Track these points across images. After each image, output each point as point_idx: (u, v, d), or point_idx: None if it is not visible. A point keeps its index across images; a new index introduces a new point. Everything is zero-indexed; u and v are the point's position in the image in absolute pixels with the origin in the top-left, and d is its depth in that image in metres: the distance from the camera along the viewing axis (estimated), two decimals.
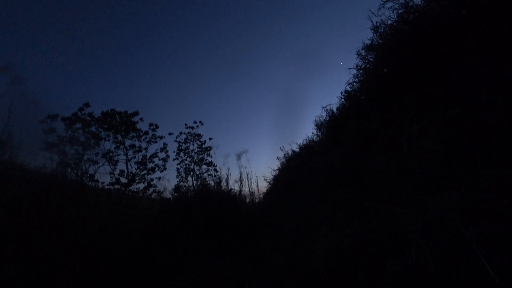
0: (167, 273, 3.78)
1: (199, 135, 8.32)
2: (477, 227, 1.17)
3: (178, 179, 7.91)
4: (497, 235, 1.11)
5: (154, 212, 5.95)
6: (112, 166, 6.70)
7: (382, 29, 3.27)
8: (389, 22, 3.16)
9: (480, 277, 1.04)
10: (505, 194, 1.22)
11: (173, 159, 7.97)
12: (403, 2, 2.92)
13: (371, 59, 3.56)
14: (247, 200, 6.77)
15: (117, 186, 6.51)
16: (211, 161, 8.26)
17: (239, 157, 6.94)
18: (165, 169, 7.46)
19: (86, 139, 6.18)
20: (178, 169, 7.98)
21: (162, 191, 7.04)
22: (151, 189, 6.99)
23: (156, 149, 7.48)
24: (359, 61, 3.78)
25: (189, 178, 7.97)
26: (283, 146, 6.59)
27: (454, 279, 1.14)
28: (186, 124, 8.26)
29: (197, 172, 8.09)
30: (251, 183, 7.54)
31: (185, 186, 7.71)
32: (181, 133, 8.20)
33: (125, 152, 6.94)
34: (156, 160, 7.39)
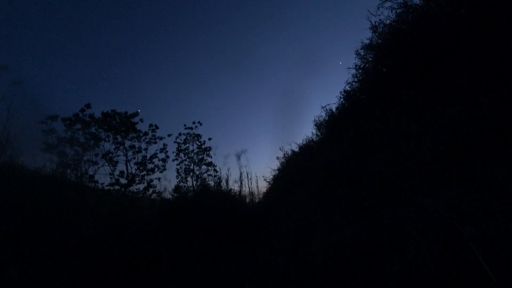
0: (167, 273, 3.78)
1: (199, 136, 8.32)
2: (475, 227, 1.17)
3: (178, 179, 7.91)
4: (495, 235, 1.11)
5: (154, 213, 5.95)
6: (111, 167, 6.69)
7: (381, 28, 3.28)
8: (388, 21, 3.17)
9: (478, 277, 1.04)
10: (503, 194, 1.23)
11: (173, 160, 7.97)
12: (402, 1, 2.93)
13: (370, 59, 3.57)
14: (247, 200, 6.76)
15: (117, 187, 6.50)
16: (211, 161, 8.26)
17: (239, 157, 6.91)
18: (164, 169, 7.47)
19: (85, 140, 6.19)
20: (177, 170, 7.98)
21: (162, 192, 7.04)
22: (151, 190, 7.00)
23: (156, 150, 7.48)
24: (358, 61, 3.79)
25: (189, 178, 7.97)
26: (282, 146, 6.56)
27: (452, 278, 1.14)
28: (185, 125, 8.28)
29: (197, 173, 8.09)
30: (251, 183, 7.45)
31: (185, 186, 7.70)
32: (180, 134, 8.21)
33: (125, 152, 6.93)
34: (155, 160, 7.39)
